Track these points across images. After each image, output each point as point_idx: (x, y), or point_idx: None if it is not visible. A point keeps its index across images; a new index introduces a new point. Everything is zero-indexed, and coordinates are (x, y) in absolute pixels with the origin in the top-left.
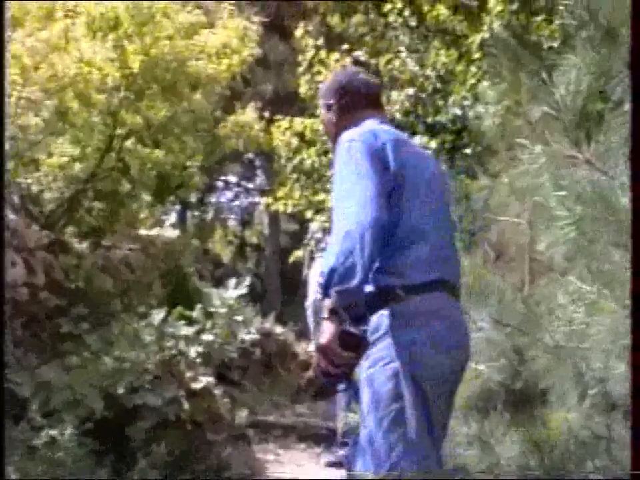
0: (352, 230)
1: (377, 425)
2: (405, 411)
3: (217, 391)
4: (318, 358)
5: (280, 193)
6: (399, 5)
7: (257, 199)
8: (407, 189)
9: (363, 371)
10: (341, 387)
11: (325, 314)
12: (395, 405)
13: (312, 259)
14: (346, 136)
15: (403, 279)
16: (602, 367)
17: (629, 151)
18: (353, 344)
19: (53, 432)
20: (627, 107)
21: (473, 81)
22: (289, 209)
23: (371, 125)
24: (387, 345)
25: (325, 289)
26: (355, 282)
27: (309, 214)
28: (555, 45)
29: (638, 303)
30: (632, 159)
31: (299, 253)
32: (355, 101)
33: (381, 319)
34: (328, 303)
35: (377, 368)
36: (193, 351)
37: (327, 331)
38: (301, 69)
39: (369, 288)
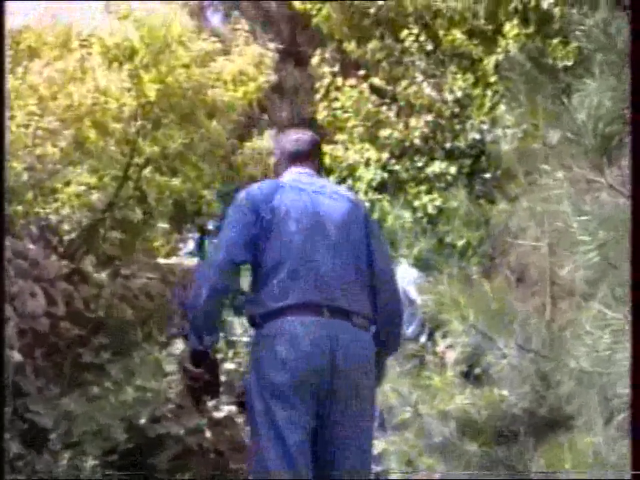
0: (202, 270)
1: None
2: (255, 421)
3: (239, 420)
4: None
5: None
6: (415, 31)
7: None
8: (275, 233)
9: None
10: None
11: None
12: (250, 414)
13: None
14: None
15: (261, 308)
16: (628, 393)
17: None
18: (201, 361)
19: (77, 463)
20: None
21: (490, 104)
22: None
23: (284, 176)
24: (248, 362)
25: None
26: (193, 312)
27: None
28: (570, 63)
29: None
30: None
31: None
32: (284, 158)
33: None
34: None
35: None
36: None
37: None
38: (318, 96)
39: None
